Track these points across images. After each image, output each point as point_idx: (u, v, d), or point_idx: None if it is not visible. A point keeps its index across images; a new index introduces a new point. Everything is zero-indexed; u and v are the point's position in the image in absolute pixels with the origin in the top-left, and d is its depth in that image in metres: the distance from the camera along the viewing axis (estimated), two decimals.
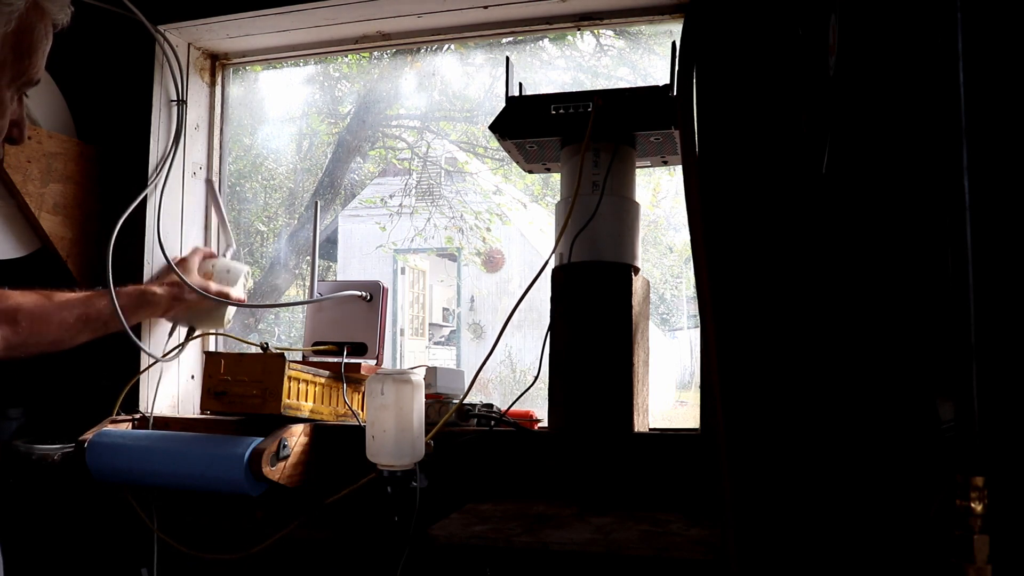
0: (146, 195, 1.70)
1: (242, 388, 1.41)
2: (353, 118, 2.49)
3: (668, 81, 1.39)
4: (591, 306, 1.35)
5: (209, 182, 1.84)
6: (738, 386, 1.16)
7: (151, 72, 1.77)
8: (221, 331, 1.60)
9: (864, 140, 0.98)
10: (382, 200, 2.78)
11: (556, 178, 1.52)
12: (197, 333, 1.61)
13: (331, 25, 1.74)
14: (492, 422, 1.43)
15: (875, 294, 1.00)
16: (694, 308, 1.30)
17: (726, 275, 1.20)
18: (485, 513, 1.22)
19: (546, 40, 1.86)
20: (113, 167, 1.76)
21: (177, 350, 1.60)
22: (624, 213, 1.40)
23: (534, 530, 1.10)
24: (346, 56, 2.09)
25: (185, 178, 1.83)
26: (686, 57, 1.09)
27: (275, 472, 1.38)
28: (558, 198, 1.45)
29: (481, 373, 1.42)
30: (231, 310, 1.59)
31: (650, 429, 1.43)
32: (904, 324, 0.95)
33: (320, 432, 1.48)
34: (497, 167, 2.73)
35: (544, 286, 1.41)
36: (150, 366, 1.63)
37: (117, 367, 1.62)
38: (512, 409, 1.47)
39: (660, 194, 2.08)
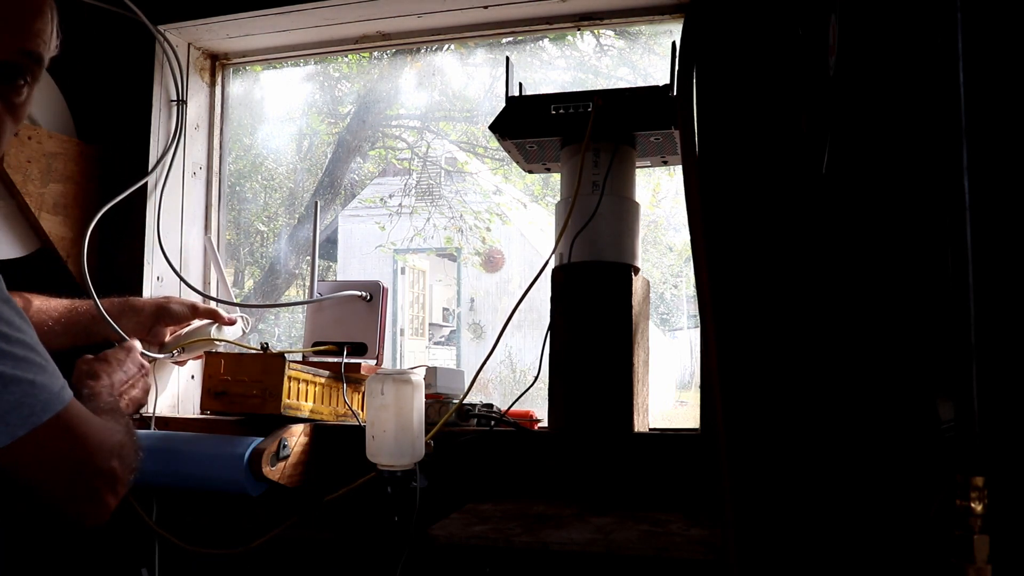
0: (139, 190, 1.70)
1: (242, 388, 1.41)
2: (353, 118, 2.49)
3: (668, 81, 1.39)
4: (591, 306, 1.35)
5: (207, 239, 1.83)
6: (738, 386, 1.16)
7: (151, 72, 1.77)
8: (215, 343, 1.59)
9: (864, 140, 0.98)
10: (382, 200, 2.78)
11: (556, 178, 1.52)
12: (187, 355, 1.61)
13: (331, 25, 1.74)
14: (492, 422, 1.43)
15: (875, 294, 1.00)
16: (694, 308, 1.30)
17: (726, 275, 1.20)
18: (485, 513, 1.22)
19: (546, 40, 1.86)
20: (113, 167, 1.76)
21: (173, 352, 1.59)
22: (624, 213, 1.40)
23: (534, 530, 1.10)
24: (346, 56, 2.09)
25: (185, 178, 1.83)
26: (686, 57, 1.08)
27: (275, 472, 1.38)
28: (558, 198, 1.45)
29: (481, 373, 1.42)
30: (227, 331, 1.59)
31: (650, 429, 1.43)
32: (904, 324, 0.95)
33: (320, 432, 1.48)
34: (497, 167, 2.73)
35: (544, 286, 1.41)
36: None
37: None
38: (512, 409, 1.47)
39: (660, 194, 2.08)
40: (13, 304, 0.81)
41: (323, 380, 1.52)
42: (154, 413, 1.62)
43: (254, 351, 1.48)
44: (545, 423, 1.48)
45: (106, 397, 1.11)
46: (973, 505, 0.73)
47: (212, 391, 1.43)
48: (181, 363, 1.65)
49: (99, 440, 0.86)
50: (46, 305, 1.41)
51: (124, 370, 1.26)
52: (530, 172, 1.61)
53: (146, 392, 1.31)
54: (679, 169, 1.32)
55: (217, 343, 1.59)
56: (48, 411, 0.78)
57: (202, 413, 1.57)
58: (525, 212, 2.95)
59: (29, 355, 0.80)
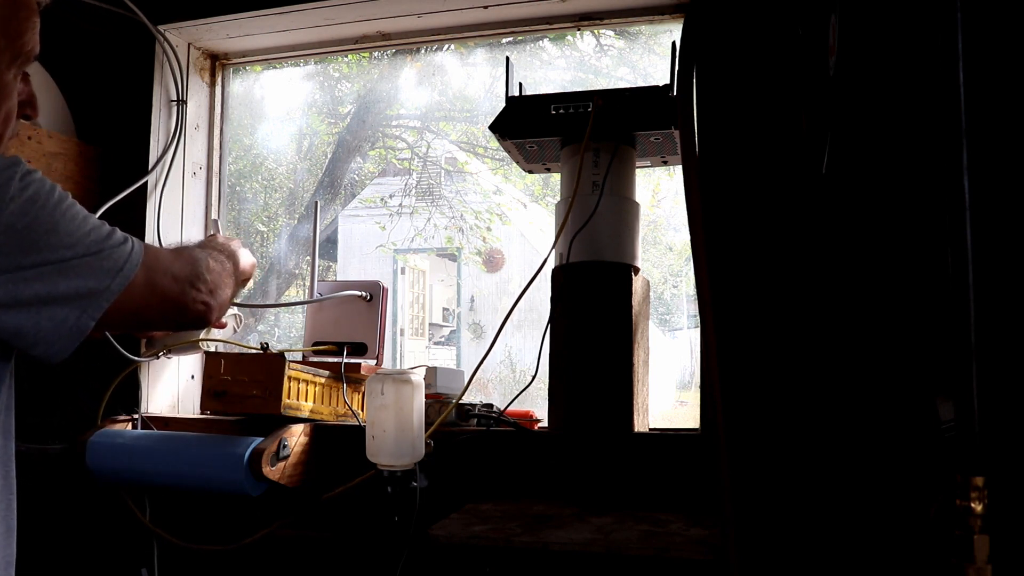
0: (139, 190, 1.70)
1: (242, 388, 1.41)
2: (353, 118, 2.49)
3: (668, 81, 1.39)
4: (591, 306, 1.35)
5: (214, 222, 1.83)
6: (738, 386, 1.16)
7: (151, 72, 1.77)
8: (201, 342, 1.59)
9: (864, 140, 0.98)
10: (382, 200, 2.78)
11: (556, 178, 1.52)
12: (175, 355, 1.61)
13: (331, 25, 1.74)
14: (492, 422, 1.43)
15: (875, 294, 1.00)
16: (694, 308, 1.30)
17: (726, 275, 1.20)
18: (485, 513, 1.22)
19: (546, 40, 1.86)
20: (113, 167, 1.76)
21: (157, 352, 1.59)
22: (624, 213, 1.40)
23: (534, 530, 1.10)
24: (346, 56, 2.09)
25: (185, 178, 1.83)
26: (686, 57, 1.08)
27: (275, 472, 1.38)
28: (558, 198, 1.45)
29: (481, 373, 1.42)
30: (217, 331, 1.59)
31: (650, 429, 1.43)
32: (904, 324, 0.95)
33: (320, 432, 1.48)
34: (497, 167, 2.73)
35: (545, 286, 1.41)
36: (130, 369, 1.61)
37: (115, 368, 1.62)
38: (511, 409, 1.47)
39: (660, 194, 2.08)
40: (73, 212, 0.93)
41: (323, 380, 1.52)
42: (152, 413, 1.62)
43: (254, 351, 1.48)
44: (545, 423, 1.48)
45: (217, 240, 1.30)
46: (973, 505, 0.73)
47: (212, 391, 1.43)
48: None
49: (181, 261, 1.06)
50: None
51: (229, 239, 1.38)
52: (530, 172, 1.61)
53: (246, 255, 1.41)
54: (679, 169, 1.32)
55: (206, 343, 1.58)
56: (139, 255, 0.97)
57: (202, 413, 1.57)
58: (525, 212, 2.95)
59: (108, 233, 0.96)
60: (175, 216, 1.80)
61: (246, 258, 1.34)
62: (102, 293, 0.92)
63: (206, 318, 1.09)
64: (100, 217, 1.60)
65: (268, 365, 1.41)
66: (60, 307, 0.89)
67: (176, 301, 1.04)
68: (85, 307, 0.91)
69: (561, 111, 1.39)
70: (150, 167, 1.74)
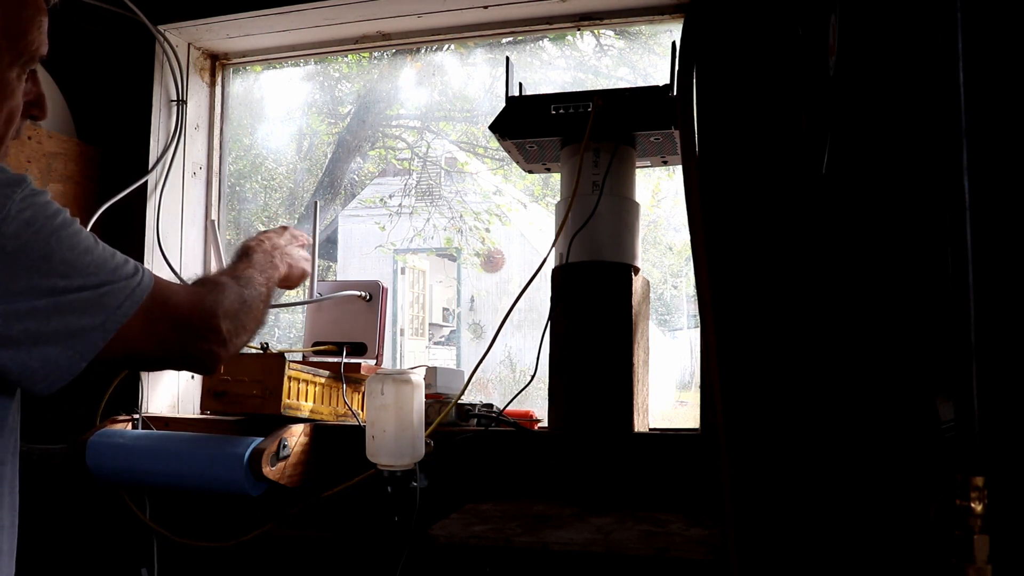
0: (139, 190, 1.71)
1: (242, 388, 1.41)
2: (353, 118, 2.49)
3: (668, 81, 1.39)
4: (591, 306, 1.35)
5: (211, 223, 1.82)
6: (738, 386, 1.16)
7: (151, 72, 1.77)
8: None
9: (864, 140, 0.98)
10: (382, 200, 2.78)
11: (556, 178, 1.52)
12: None
13: (331, 25, 1.74)
14: (491, 422, 1.43)
15: (875, 294, 1.00)
16: (694, 308, 1.30)
17: (726, 275, 1.20)
18: (485, 513, 1.22)
19: (546, 40, 1.86)
20: (113, 167, 1.76)
21: None
22: (624, 213, 1.40)
23: (534, 530, 1.10)
24: (346, 56, 2.09)
25: (185, 178, 1.83)
26: (686, 57, 1.08)
27: (275, 472, 1.38)
28: (558, 198, 1.45)
29: (481, 373, 1.42)
30: None
31: (650, 429, 1.43)
32: (904, 324, 0.95)
33: (320, 432, 1.48)
34: (497, 167, 2.73)
35: (545, 286, 1.41)
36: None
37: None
38: (510, 408, 1.47)
39: (660, 194, 2.08)
40: (75, 236, 0.87)
41: (323, 380, 1.52)
42: (152, 413, 1.62)
43: (254, 351, 1.48)
44: (545, 423, 1.48)
45: (261, 254, 1.20)
46: (973, 505, 0.73)
47: (212, 391, 1.43)
48: None
49: (195, 306, 0.97)
50: None
51: (286, 237, 1.30)
52: (530, 172, 1.61)
53: (306, 257, 1.33)
54: (679, 169, 1.32)
55: None
56: (142, 295, 0.90)
57: (202, 413, 1.57)
58: (525, 212, 2.95)
59: (114, 267, 0.89)
60: (175, 216, 1.80)
61: (298, 268, 1.25)
62: (95, 331, 0.86)
63: (210, 367, 1.01)
64: (99, 216, 1.61)
65: (268, 365, 1.41)
66: (51, 346, 0.84)
67: (176, 350, 0.96)
68: (77, 347, 0.85)
69: (561, 111, 1.40)
70: (150, 167, 1.74)
